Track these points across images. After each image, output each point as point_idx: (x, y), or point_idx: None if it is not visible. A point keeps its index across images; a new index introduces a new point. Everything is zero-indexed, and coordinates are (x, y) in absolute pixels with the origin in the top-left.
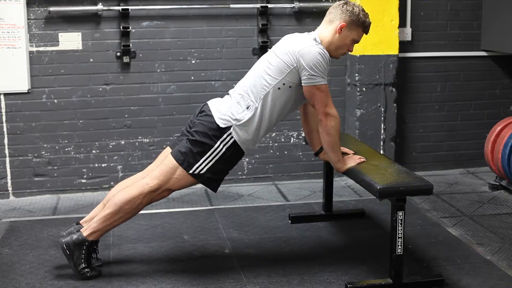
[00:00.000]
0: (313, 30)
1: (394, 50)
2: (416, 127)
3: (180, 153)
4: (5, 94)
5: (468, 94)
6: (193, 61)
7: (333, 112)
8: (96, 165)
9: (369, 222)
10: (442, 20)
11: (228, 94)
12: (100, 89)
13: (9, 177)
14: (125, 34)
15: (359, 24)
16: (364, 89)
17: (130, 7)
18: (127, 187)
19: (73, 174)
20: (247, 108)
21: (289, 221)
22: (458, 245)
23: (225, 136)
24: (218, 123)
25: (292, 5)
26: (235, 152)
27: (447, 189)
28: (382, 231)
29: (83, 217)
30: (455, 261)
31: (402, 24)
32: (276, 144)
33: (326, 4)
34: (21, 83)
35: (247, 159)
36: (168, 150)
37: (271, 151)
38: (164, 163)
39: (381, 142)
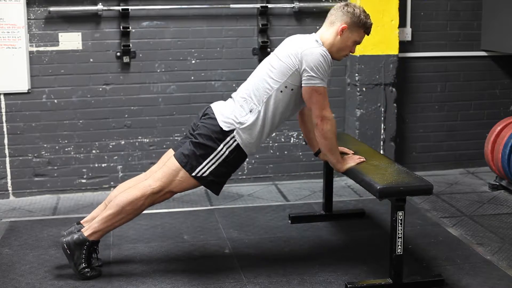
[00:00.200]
0: (314, 31)
1: (394, 50)
2: (416, 127)
3: (183, 155)
4: (5, 94)
5: (468, 94)
6: (193, 61)
7: (329, 115)
8: (96, 165)
9: (369, 222)
10: (442, 20)
11: (230, 97)
12: (100, 89)
13: (9, 177)
14: (125, 34)
15: (361, 25)
16: (364, 89)
17: (130, 7)
18: (129, 188)
19: (73, 174)
20: (250, 111)
21: (289, 221)
22: (458, 245)
23: (228, 139)
24: (221, 126)
25: (292, 5)
26: (238, 156)
27: (447, 189)
28: (382, 231)
29: (83, 217)
30: (455, 261)
31: (402, 24)
32: (276, 144)
33: (326, 4)
34: (21, 83)
35: (247, 159)
36: (171, 152)
37: (271, 151)
38: (167, 165)
39: (381, 142)
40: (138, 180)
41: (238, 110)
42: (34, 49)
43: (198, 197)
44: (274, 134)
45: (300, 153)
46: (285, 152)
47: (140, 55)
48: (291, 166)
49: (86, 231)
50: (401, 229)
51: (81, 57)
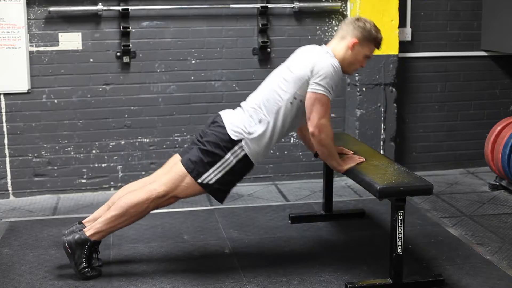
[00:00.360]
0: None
1: (394, 50)
2: (416, 127)
3: (190, 161)
4: (5, 94)
5: (468, 94)
6: (193, 61)
7: (327, 124)
8: (96, 165)
9: (369, 222)
10: (442, 20)
11: (240, 106)
12: (100, 89)
13: (9, 177)
14: (125, 34)
15: (371, 40)
16: (364, 89)
17: (130, 7)
18: (134, 190)
19: (73, 174)
20: (259, 122)
21: (289, 221)
22: (458, 245)
23: (236, 148)
24: (230, 135)
25: (292, 5)
26: (244, 165)
27: (447, 189)
28: (382, 231)
29: (83, 217)
30: (455, 261)
31: (402, 24)
32: (276, 144)
33: (326, 4)
34: (21, 83)
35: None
36: (177, 157)
37: (271, 151)
38: (173, 170)
39: (381, 142)
40: (143, 183)
41: (247, 120)
42: (34, 49)
43: (198, 197)
44: None
45: (300, 153)
46: (285, 152)
47: (140, 55)
48: (291, 166)
49: (88, 231)
50: (401, 229)
51: (81, 57)
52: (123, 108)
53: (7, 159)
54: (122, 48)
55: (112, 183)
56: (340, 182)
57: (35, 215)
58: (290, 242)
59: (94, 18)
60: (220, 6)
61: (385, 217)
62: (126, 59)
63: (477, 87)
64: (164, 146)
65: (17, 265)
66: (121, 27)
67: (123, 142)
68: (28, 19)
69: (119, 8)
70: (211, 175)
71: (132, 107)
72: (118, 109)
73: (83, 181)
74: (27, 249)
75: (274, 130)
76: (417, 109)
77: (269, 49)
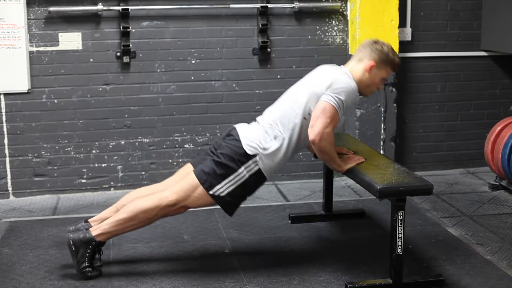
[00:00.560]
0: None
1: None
2: (416, 127)
3: (203, 172)
4: (5, 94)
5: (468, 94)
6: (193, 61)
7: (329, 133)
8: (96, 165)
9: (369, 222)
10: (442, 20)
11: (255, 120)
12: (100, 89)
13: (9, 177)
14: (125, 34)
15: (388, 62)
16: None
17: (130, 7)
18: (144, 196)
19: (73, 174)
20: (275, 138)
21: (289, 221)
22: (458, 245)
23: (250, 162)
24: (245, 149)
25: (292, 5)
26: (257, 179)
27: (447, 189)
28: (382, 231)
29: (84, 217)
30: (455, 261)
31: (402, 24)
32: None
33: (326, 4)
34: (21, 83)
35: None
36: (189, 166)
37: None
38: (185, 180)
39: (381, 142)
40: (152, 190)
41: (262, 135)
42: (34, 49)
43: None
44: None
45: (300, 153)
46: None
47: (140, 55)
48: (291, 166)
49: (94, 231)
50: (401, 229)
51: (81, 57)
52: (123, 108)
53: (7, 159)
54: (122, 48)
55: (112, 183)
56: (340, 182)
57: (35, 215)
58: (290, 242)
59: (94, 18)
60: (220, 6)
61: (385, 217)
62: (126, 59)
63: (477, 87)
64: (164, 146)
65: (17, 265)
66: (121, 27)
67: (123, 142)
68: (28, 19)
69: (119, 8)
70: (223, 188)
71: (132, 107)
72: (118, 109)
73: (83, 181)
74: (27, 249)
75: (289, 146)
76: (417, 109)
77: (269, 49)
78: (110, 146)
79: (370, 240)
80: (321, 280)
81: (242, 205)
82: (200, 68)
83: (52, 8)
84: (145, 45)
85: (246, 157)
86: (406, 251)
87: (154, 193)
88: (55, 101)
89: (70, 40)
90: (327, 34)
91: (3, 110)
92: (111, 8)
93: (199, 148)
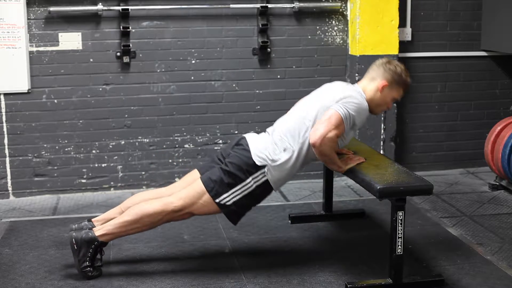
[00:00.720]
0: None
1: (394, 50)
2: (416, 127)
3: (211, 180)
4: (5, 94)
5: (468, 94)
6: (193, 61)
7: (331, 138)
8: (96, 165)
9: (369, 222)
10: (442, 20)
11: (266, 131)
12: (100, 89)
13: (9, 177)
14: (125, 34)
15: (401, 83)
16: None
17: (130, 7)
18: (150, 200)
19: (73, 174)
20: (284, 150)
21: (289, 221)
22: (458, 245)
23: (258, 173)
24: (254, 160)
25: (292, 5)
26: (263, 190)
27: (447, 189)
28: (382, 231)
29: (84, 217)
30: (455, 261)
31: (402, 24)
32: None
33: (326, 4)
34: (21, 83)
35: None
36: (195, 173)
37: None
38: (192, 187)
39: (381, 142)
40: (158, 194)
41: (272, 147)
42: (34, 49)
43: None
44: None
45: None
46: None
47: (140, 55)
48: None
49: (98, 231)
50: (401, 229)
51: (81, 57)
52: (123, 108)
53: (7, 159)
54: (122, 48)
55: (112, 183)
56: (340, 182)
57: (35, 215)
58: (290, 242)
59: (94, 18)
60: (220, 6)
61: (385, 217)
62: (126, 59)
63: (477, 87)
64: (164, 146)
65: (17, 265)
66: (121, 27)
67: (123, 142)
68: (28, 19)
69: (119, 8)
70: (230, 197)
71: (132, 107)
72: (118, 109)
73: (83, 181)
74: (27, 249)
75: (298, 159)
76: (417, 109)
77: (269, 49)
78: (110, 146)
79: (370, 240)
80: (321, 280)
81: None
82: (200, 68)
83: (52, 8)
84: (145, 45)
85: (254, 168)
86: (406, 251)
87: (159, 197)
88: (55, 101)
89: (70, 40)
90: (327, 34)
91: (3, 110)
92: (111, 8)
93: (199, 148)
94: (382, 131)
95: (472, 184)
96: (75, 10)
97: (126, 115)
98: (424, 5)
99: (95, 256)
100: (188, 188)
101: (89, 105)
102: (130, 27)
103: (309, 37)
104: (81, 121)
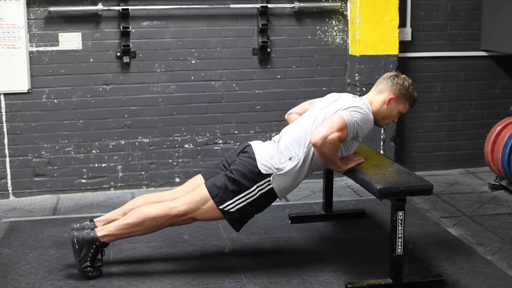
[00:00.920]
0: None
1: (394, 50)
2: (416, 127)
3: (215, 186)
4: (5, 94)
5: (468, 94)
6: (193, 61)
7: (333, 140)
8: (96, 165)
9: (369, 222)
10: (442, 20)
11: (271, 139)
12: (100, 89)
13: (9, 177)
14: (125, 34)
15: (408, 97)
16: (364, 89)
17: (130, 7)
18: (153, 203)
19: (73, 174)
20: (290, 159)
21: (289, 221)
22: (458, 245)
23: (263, 182)
24: (260, 168)
25: (292, 5)
26: (267, 198)
27: (447, 189)
28: (382, 231)
29: (84, 217)
30: (455, 261)
31: (402, 24)
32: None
33: (326, 4)
34: (21, 83)
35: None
36: (199, 178)
37: None
38: (196, 192)
39: (381, 142)
40: (161, 197)
41: (277, 155)
42: (34, 49)
43: None
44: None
45: None
46: None
47: (140, 55)
48: None
49: (100, 232)
50: (401, 229)
51: (81, 57)
52: (123, 108)
53: (7, 159)
54: (122, 48)
55: (112, 183)
56: (340, 182)
57: (35, 215)
58: (290, 242)
59: (94, 18)
60: (220, 6)
61: (385, 217)
62: (126, 59)
63: (477, 87)
64: (164, 146)
65: (17, 265)
66: (121, 27)
67: (123, 142)
68: (28, 19)
69: (119, 8)
70: (234, 204)
71: (132, 107)
72: (118, 109)
73: (83, 181)
74: (27, 249)
75: (303, 167)
76: (417, 109)
77: (269, 49)
78: (110, 146)
79: (370, 240)
80: (321, 280)
81: None
82: (200, 68)
83: (52, 8)
84: (145, 45)
85: (259, 176)
86: (406, 251)
87: (162, 201)
88: (55, 101)
89: (70, 40)
90: (327, 34)
91: (3, 110)
92: (111, 8)
93: (199, 148)
94: (382, 131)
95: (472, 184)
96: (75, 10)
97: (126, 115)
98: (424, 5)
99: (96, 257)
100: (192, 193)
101: (89, 105)
102: (130, 27)
103: (309, 37)
104: (81, 121)
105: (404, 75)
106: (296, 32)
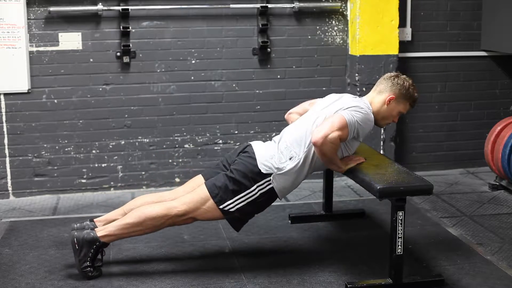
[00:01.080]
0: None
1: (394, 50)
2: (416, 127)
3: (215, 186)
4: (5, 94)
5: (468, 94)
6: (193, 61)
7: (333, 139)
8: (96, 165)
9: (369, 222)
10: (442, 20)
11: (272, 140)
12: (100, 89)
13: (9, 177)
14: (125, 34)
15: (408, 98)
16: (364, 89)
17: (130, 7)
18: (153, 203)
19: (73, 174)
20: (290, 158)
21: (289, 221)
22: (458, 245)
23: (263, 181)
24: (260, 168)
25: (292, 5)
26: (268, 198)
27: (447, 189)
28: (382, 231)
29: (84, 217)
30: (455, 261)
31: (402, 24)
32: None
33: (326, 4)
34: (21, 83)
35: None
36: (200, 178)
37: None
38: (196, 192)
39: (381, 142)
40: (161, 197)
41: (278, 155)
42: (34, 49)
43: None
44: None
45: None
46: None
47: (140, 55)
48: None
49: (100, 232)
50: (401, 229)
51: (81, 57)
52: (123, 108)
53: (7, 159)
54: (122, 48)
55: (112, 183)
56: (340, 182)
57: (35, 215)
58: (290, 242)
59: (94, 18)
60: (220, 6)
61: (385, 217)
62: (126, 59)
63: (477, 87)
64: (164, 146)
65: (17, 265)
66: (121, 27)
67: (123, 142)
68: (28, 19)
69: (119, 8)
70: (234, 203)
71: (132, 107)
72: (118, 109)
73: (83, 181)
74: (27, 249)
75: (304, 167)
76: (417, 109)
77: (269, 49)
78: (110, 146)
79: (370, 240)
80: (321, 280)
81: None
82: (200, 68)
83: (52, 8)
84: (145, 45)
85: (260, 176)
86: (406, 251)
87: (163, 201)
88: (55, 101)
89: (70, 40)
90: (327, 34)
91: (3, 110)
92: (111, 8)
93: (199, 148)
94: (382, 131)
95: (472, 184)
96: (75, 10)
97: (126, 115)
98: (424, 5)
99: (96, 257)
100: (192, 193)
101: (89, 105)
102: (130, 27)
103: (309, 37)
104: (81, 121)
105: (404, 76)
106: (296, 32)
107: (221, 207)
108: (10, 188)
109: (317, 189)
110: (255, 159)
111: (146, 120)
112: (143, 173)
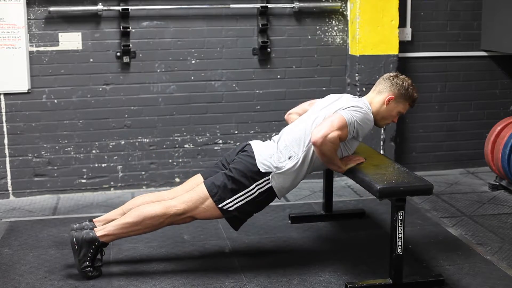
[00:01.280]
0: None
1: (394, 50)
2: (416, 127)
3: (214, 185)
4: (5, 94)
5: (468, 94)
6: (193, 61)
7: (333, 139)
8: (96, 165)
9: (369, 222)
10: (442, 20)
11: (271, 139)
12: (100, 89)
13: (9, 177)
14: (125, 34)
15: (407, 98)
16: (364, 89)
17: (130, 7)
18: (152, 202)
19: (73, 174)
20: (289, 158)
21: (289, 221)
22: (458, 245)
23: (262, 180)
24: (259, 167)
25: (292, 5)
26: (266, 197)
27: (447, 189)
28: (382, 231)
29: (84, 217)
30: (455, 261)
31: (402, 24)
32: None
33: (326, 4)
34: (21, 83)
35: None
36: (199, 177)
37: None
38: (195, 191)
39: (381, 142)
40: (160, 196)
41: (277, 154)
42: (34, 49)
43: None
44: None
45: None
46: None
47: (140, 55)
48: None
49: (99, 231)
50: (401, 229)
51: (81, 57)
52: (123, 108)
53: (7, 159)
54: (122, 48)
55: (112, 183)
56: (340, 182)
57: (35, 215)
58: (290, 242)
59: (94, 18)
60: (220, 6)
61: (385, 217)
62: (126, 59)
63: (477, 87)
64: (164, 146)
65: (17, 265)
66: (121, 27)
67: (123, 142)
68: (28, 19)
69: (119, 8)
70: (232, 202)
71: (132, 107)
72: (118, 109)
73: (83, 181)
74: (27, 249)
75: (302, 167)
76: (417, 109)
77: (269, 49)
78: (110, 146)
79: (370, 240)
80: (321, 280)
81: None
82: (200, 68)
83: (52, 8)
84: (145, 45)
85: (259, 175)
86: (406, 251)
87: (161, 200)
88: (55, 101)
89: (70, 40)
90: (327, 34)
91: (3, 110)
92: (111, 8)
93: (199, 148)
94: (382, 131)
95: (472, 184)
96: (75, 10)
97: (126, 115)
98: (424, 5)
99: (96, 256)
100: (191, 192)
101: (89, 105)
102: (130, 27)
103: (309, 37)
104: (81, 121)
105: (403, 76)
106: (296, 32)
107: (220, 206)
108: (10, 188)
109: (317, 189)
110: (254, 158)
111: (146, 120)
112: (143, 173)
